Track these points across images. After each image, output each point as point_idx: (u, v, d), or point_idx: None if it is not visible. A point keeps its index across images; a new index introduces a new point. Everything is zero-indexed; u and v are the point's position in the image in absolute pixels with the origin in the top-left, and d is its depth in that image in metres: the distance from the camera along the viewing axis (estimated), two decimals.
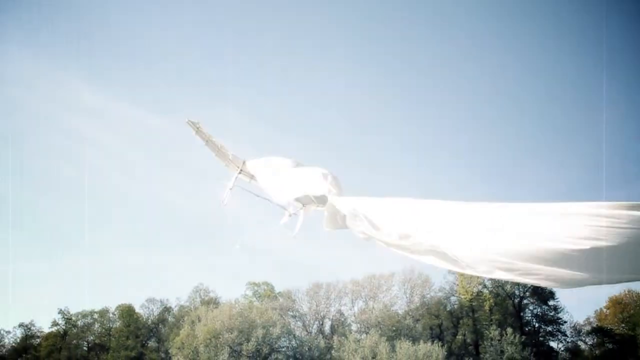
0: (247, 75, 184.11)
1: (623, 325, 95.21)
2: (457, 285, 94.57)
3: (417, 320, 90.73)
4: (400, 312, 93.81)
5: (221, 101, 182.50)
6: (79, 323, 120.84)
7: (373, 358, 77.99)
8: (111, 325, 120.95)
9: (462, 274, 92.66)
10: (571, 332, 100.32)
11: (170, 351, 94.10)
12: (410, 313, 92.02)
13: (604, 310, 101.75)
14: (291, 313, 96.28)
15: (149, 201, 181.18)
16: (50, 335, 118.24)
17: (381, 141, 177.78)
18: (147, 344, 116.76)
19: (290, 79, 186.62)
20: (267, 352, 79.54)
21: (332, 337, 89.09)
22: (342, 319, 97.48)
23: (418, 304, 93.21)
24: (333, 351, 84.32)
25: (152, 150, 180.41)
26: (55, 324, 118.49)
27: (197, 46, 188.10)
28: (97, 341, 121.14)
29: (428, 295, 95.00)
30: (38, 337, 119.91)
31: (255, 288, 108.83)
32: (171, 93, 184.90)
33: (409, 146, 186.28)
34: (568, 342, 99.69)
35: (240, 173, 8.90)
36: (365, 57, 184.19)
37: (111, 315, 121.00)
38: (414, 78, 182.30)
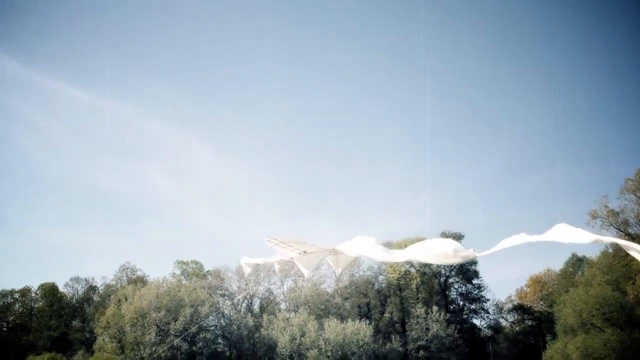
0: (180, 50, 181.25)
1: (542, 302, 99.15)
2: (385, 264, 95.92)
3: (346, 298, 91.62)
4: (329, 290, 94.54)
5: (152, 76, 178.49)
6: None
7: (302, 336, 78.48)
8: (33, 305, 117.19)
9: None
10: (493, 309, 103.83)
11: (95, 331, 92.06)
12: (338, 292, 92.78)
13: (525, 288, 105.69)
14: (220, 292, 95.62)
15: (73, 178, 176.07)
16: None
17: None
18: (72, 323, 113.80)
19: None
20: (195, 330, 78.83)
21: (261, 315, 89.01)
22: (271, 298, 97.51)
23: (347, 283, 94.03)
24: (262, 329, 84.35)
25: (76, 126, 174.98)
26: None
27: (125, 18, 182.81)
28: (18, 321, 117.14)
29: (357, 274, 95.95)
30: None
31: (184, 267, 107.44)
32: (97, 66, 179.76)
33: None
34: (490, 319, 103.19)
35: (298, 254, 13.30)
36: None
37: (33, 294, 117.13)
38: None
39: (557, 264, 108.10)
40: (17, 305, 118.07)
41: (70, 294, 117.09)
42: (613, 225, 67.65)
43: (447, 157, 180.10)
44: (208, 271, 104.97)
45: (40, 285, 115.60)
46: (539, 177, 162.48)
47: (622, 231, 67.61)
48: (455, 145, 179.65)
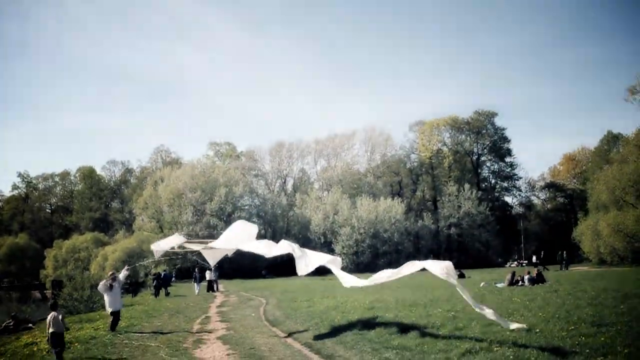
0: None
1: (575, 180, 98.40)
2: (418, 143, 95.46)
3: (378, 177, 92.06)
4: (361, 169, 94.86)
5: None
6: (40, 186, 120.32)
7: (335, 214, 79.79)
8: (73, 188, 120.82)
9: (422, 132, 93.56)
10: (525, 187, 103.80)
11: (134, 211, 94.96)
12: (371, 171, 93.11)
13: (558, 166, 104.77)
14: (254, 172, 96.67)
15: (105, 62, 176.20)
16: (11, 199, 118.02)
17: None
18: (111, 205, 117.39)
19: None
20: (230, 210, 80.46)
21: (294, 194, 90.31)
22: (305, 177, 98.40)
23: (379, 162, 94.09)
24: (295, 208, 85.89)
25: (106, 8, 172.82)
26: (15, 187, 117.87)
27: None
28: (60, 203, 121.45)
29: (389, 154, 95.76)
30: None
31: (217, 148, 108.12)
32: None
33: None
34: (522, 196, 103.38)
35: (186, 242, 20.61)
36: None
37: (72, 177, 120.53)
38: None
39: (592, 143, 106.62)
40: (57, 188, 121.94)
41: (108, 177, 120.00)
42: None
43: (481, 31, 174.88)
44: (241, 152, 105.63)
45: (78, 169, 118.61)
46: (577, 52, 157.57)
47: None
48: (487, 18, 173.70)
